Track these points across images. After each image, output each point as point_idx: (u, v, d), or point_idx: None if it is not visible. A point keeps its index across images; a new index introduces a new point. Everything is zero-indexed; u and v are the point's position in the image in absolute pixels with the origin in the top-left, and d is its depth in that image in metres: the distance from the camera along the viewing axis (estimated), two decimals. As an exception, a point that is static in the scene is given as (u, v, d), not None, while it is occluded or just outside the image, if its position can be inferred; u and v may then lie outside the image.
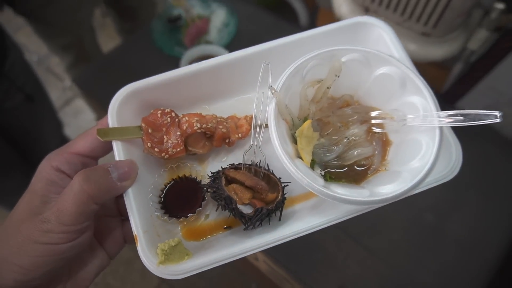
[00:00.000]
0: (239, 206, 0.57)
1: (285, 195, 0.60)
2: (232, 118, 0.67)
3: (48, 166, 0.59)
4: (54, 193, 0.56)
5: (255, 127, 0.62)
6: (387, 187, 0.57)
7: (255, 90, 0.70)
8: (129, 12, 1.78)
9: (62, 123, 1.44)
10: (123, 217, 0.67)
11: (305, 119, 0.65)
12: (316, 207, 0.62)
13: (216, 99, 0.71)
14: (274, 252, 1.14)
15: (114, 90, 0.63)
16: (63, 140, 1.53)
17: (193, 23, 1.47)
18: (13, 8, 1.25)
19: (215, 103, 0.71)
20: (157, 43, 1.44)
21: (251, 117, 0.67)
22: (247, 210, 0.59)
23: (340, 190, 0.56)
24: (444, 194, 1.24)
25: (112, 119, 0.62)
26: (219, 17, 1.53)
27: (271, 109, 0.59)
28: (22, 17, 1.36)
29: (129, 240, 0.65)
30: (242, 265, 1.75)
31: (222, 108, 0.70)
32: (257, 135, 0.62)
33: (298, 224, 0.58)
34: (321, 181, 0.57)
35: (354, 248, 1.17)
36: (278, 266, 1.15)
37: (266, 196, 0.60)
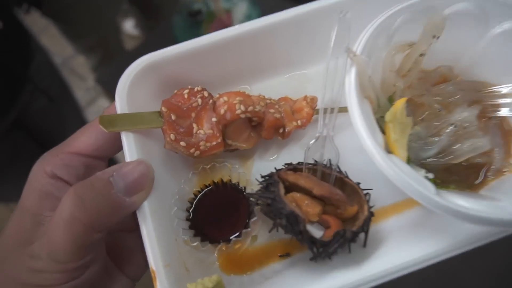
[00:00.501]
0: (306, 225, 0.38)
1: (371, 209, 0.41)
2: (286, 100, 0.48)
3: (41, 173, 0.44)
4: (50, 209, 0.41)
5: (324, 110, 0.43)
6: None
7: (313, 63, 0.52)
8: (152, 9, 1.75)
9: (87, 123, 1.38)
10: None
11: (389, 100, 0.46)
12: (418, 225, 0.42)
13: (260, 76, 0.52)
14: None
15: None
16: None
17: (216, 17, 1.40)
18: (40, 10, 1.23)
19: (259, 81, 0.52)
20: (179, 39, 1.37)
21: (313, 99, 0.48)
22: (315, 231, 0.40)
23: (465, 203, 0.36)
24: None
25: (121, 102, 0.44)
26: (241, 9, 1.45)
27: (350, 81, 0.39)
28: (49, 18, 1.34)
29: None
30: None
31: (268, 89, 0.52)
32: (327, 122, 0.43)
33: (396, 253, 0.38)
34: (431, 187, 0.37)
35: None
36: None
37: (344, 211, 0.40)
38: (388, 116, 0.41)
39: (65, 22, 1.39)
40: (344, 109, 0.42)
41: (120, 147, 0.47)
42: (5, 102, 0.86)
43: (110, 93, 1.45)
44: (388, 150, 0.41)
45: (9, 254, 0.38)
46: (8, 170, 0.98)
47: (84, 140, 0.46)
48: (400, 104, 0.41)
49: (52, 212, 0.41)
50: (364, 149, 0.38)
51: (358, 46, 0.41)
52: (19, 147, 0.96)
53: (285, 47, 0.50)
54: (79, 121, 1.23)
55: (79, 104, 1.25)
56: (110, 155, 0.49)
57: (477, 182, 0.44)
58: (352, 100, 0.39)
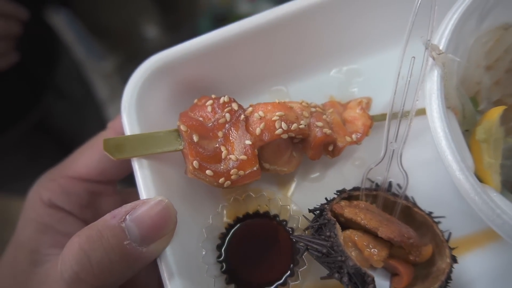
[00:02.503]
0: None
1: (453, 253, 0.32)
2: (334, 105, 0.38)
3: (37, 202, 0.38)
4: (49, 245, 0.36)
5: (391, 119, 0.33)
6: None
7: (365, 55, 0.41)
8: (175, 11, 1.71)
9: (107, 124, 1.40)
10: None
11: (473, 101, 0.35)
12: (508, 262, 0.33)
13: (298, 73, 0.42)
14: None
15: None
16: None
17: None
18: (68, 8, 1.25)
19: (298, 80, 0.42)
20: None
21: (368, 102, 0.38)
22: (379, 281, 0.31)
23: None
24: None
25: (129, 119, 0.36)
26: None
27: (432, 88, 0.29)
28: (76, 17, 1.36)
29: None
30: None
31: (309, 89, 0.41)
32: (393, 139, 0.33)
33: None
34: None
35: None
36: None
37: (418, 256, 0.32)
38: (480, 133, 0.31)
39: (91, 20, 1.41)
40: (417, 114, 0.32)
41: (127, 169, 0.40)
42: (28, 104, 0.84)
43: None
44: (477, 176, 0.31)
45: None
46: (27, 169, 0.98)
47: (85, 162, 0.39)
48: (495, 115, 0.31)
49: (52, 249, 0.36)
50: (440, 165, 0.29)
51: (441, 39, 0.30)
52: (39, 147, 0.95)
53: (330, 36, 0.39)
54: (100, 123, 1.23)
55: (100, 105, 1.25)
56: (117, 178, 0.42)
57: None
58: (434, 114, 0.29)
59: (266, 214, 0.37)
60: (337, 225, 0.31)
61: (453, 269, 0.31)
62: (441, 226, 0.34)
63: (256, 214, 0.37)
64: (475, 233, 0.36)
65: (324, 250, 0.30)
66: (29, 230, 0.37)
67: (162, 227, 0.31)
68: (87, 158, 0.39)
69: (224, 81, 0.40)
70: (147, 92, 0.37)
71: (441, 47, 0.29)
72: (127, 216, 0.30)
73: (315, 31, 0.38)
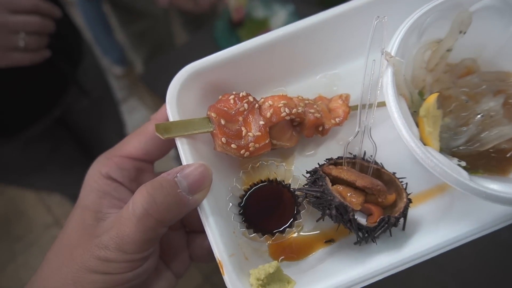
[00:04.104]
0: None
1: (409, 196, 0.45)
2: (322, 99, 0.52)
3: (97, 174, 0.48)
4: (108, 206, 0.46)
5: (362, 106, 0.46)
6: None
7: (345, 62, 0.55)
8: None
9: (124, 123, 1.49)
10: (187, 229, 0.55)
11: (420, 93, 0.50)
12: (451, 209, 0.46)
13: (295, 78, 0.55)
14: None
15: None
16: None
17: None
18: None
19: (294, 83, 0.56)
20: (219, 42, 1.45)
21: (347, 96, 0.52)
22: (359, 218, 0.44)
23: (497, 187, 0.40)
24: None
25: (172, 110, 0.48)
26: (280, 18, 1.47)
27: (387, 81, 0.43)
28: (106, 3, 1.44)
29: (196, 257, 0.53)
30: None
31: (303, 89, 0.55)
32: (364, 119, 0.46)
33: (433, 235, 0.42)
34: (465, 174, 0.41)
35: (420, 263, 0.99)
36: None
37: (384, 199, 0.45)
38: (422, 111, 0.44)
39: (118, 6, 1.47)
40: (380, 105, 0.46)
41: (165, 151, 0.52)
42: (51, 100, 0.89)
43: (152, 92, 1.49)
44: (423, 142, 0.45)
45: (76, 244, 0.42)
46: (47, 165, 1.02)
47: (135, 145, 0.50)
48: (432, 99, 0.45)
49: (112, 209, 0.45)
50: (401, 141, 0.42)
51: (392, 47, 0.44)
52: (59, 143, 0.99)
53: (319, 49, 0.53)
54: (117, 121, 1.28)
55: (117, 104, 1.30)
56: (157, 158, 0.53)
57: (503, 167, 0.48)
58: (390, 98, 0.43)
59: (275, 181, 0.50)
60: (327, 178, 0.44)
61: (408, 207, 0.44)
62: (404, 186, 0.47)
63: (268, 181, 0.50)
64: (428, 189, 0.49)
65: (318, 195, 0.43)
66: (92, 197, 0.46)
67: (202, 182, 0.43)
68: (136, 141, 0.50)
69: (240, 83, 0.53)
70: (184, 91, 0.49)
71: (392, 53, 0.43)
72: (178, 174, 0.43)
73: (307, 45, 0.52)
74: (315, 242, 0.48)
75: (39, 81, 0.85)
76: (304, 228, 0.49)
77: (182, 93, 0.49)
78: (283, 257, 0.47)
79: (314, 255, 0.47)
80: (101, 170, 0.48)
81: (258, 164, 0.49)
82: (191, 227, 0.55)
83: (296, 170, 0.51)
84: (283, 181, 0.49)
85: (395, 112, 0.42)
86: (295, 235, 0.48)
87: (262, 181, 0.50)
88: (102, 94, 1.14)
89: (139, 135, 0.50)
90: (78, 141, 1.03)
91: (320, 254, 0.47)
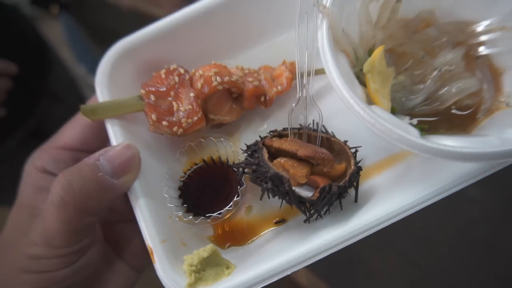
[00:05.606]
0: (294, 187, 0.37)
1: (359, 164, 0.40)
2: (266, 68, 0.48)
3: (32, 169, 0.46)
4: (43, 202, 0.42)
5: (301, 73, 0.42)
6: (523, 129, 0.36)
7: (290, 29, 0.50)
8: None
9: None
10: None
11: (370, 52, 0.45)
12: (406, 176, 0.41)
13: (239, 49, 0.51)
14: (315, 265, 0.95)
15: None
16: None
17: None
18: (69, 12, 1.31)
19: (239, 54, 0.52)
20: None
21: (292, 63, 0.47)
22: (306, 193, 0.39)
23: (450, 142, 0.35)
24: (496, 205, 1.03)
25: (101, 91, 0.45)
26: None
27: (322, 35, 0.39)
28: (77, 21, 1.40)
29: None
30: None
31: (249, 60, 0.51)
32: (305, 83, 0.42)
33: (386, 204, 0.37)
34: (415, 132, 0.36)
35: (399, 263, 1.01)
36: (320, 280, 0.98)
37: (331, 169, 0.40)
38: (365, 66, 0.40)
39: (91, 25, 1.45)
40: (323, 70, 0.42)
41: (106, 139, 0.48)
42: (24, 111, 0.89)
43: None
44: (371, 102, 0.40)
45: (10, 245, 0.40)
46: None
47: (70, 134, 0.47)
48: (377, 53, 0.40)
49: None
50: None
51: None
52: None
53: (258, 16, 0.49)
54: None
55: None
56: (97, 147, 0.49)
57: (467, 124, 0.43)
58: (326, 54, 0.38)
59: (217, 159, 0.45)
60: (264, 149, 0.40)
61: (358, 176, 0.39)
62: (354, 154, 0.42)
63: (211, 161, 0.46)
64: (384, 158, 0.44)
65: (254, 167, 0.39)
66: (27, 193, 0.44)
67: (128, 164, 0.39)
68: (71, 131, 0.47)
69: (179, 59, 0.49)
70: (115, 70, 0.46)
71: (327, 5, 0.39)
72: (101, 157, 0.39)
73: (245, 13, 0.48)
74: (265, 224, 0.44)
75: (9, 95, 0.84)
76: (254, 209, 0.45)
77: (114, 72, 0.46)
78: (229, 244, 0.43)
79: (263, 237, 0.43)
80: (35, 164, 0.46)
81: (195, 142, 0.45)
82: None
83: (242, 145, 0.46)
84: (227, 159, 0.45)
85: (332, 68, 0.37)
86: (241, 216, 0.43)
87: (204, 161, 0.46)
88: (77, 102, 1.14)
89: (73, 124, 0.48)
90: None
91: (269, 235, 0.43)
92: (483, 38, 0.43)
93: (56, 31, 1.45)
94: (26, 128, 0.91)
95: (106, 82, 0.45)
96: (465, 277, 0.98)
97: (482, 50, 0.43)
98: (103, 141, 0.49)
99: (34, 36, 0.97)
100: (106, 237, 0.45)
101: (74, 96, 1.14)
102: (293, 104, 0.43)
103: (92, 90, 0.46)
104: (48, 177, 0.45)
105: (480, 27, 0.43)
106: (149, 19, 0.48)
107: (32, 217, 0.41)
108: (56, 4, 1.13)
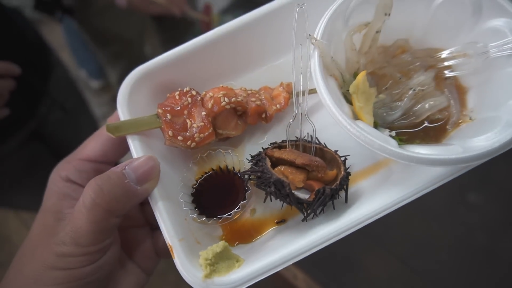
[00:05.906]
0: (293, 191, 0.44)
1: (348, 170, 0.47)
2: (265, 89, 0.55)
3: (57, 178, 0.50)
4: (68, 207, 0.48)
5: (297, 93, 0.49)
6: (482, 138, 0.43)
7: (286, 54, 0.58)
8: (170, 24, 1.76)
9: None
10: (152, 226, 0.57)
11: (355, 75, 0.52)
12: (388, 180, 0.48)
13: (241, 71, 0.59)
14: (314, 271, 0.99)
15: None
16: None
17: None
18: (73, 18, 1.30)
19: (241, 76, 0.59)
20: None
21: (289, 84, 0.55)
22: (303, 195, 0.46)
23: (422, 150, 0.42)
24: (495, 212, 1.06)
25: (122, 110, 0.51)
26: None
27: (314, 63, 0.46)
28: (81, 26, 1.42)
29: (162, 253, 0.54)
30: (280, 284, 1.63)
31: (250, 82, 0.58)
32: (300, 102, 0.49)
33: (371, 203, 0.44)
34: (393, 142, 0.44)
35: (398, 269, 1.02)
36: (318, 285, 1.01)
37: (324, 174, 0.47)
38: (351, 87, 0.47)
39: (94, 30, 1.47)
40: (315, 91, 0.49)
41: (124, 152, 0.54)
42: (24, 113, 0.90)
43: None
44: (356, 117, 0.47)
45: (38, 244, 0.44)
46: (24, 180, 1.02)
47: (92, 147, 0.52)
48: (361, 76, 0.48)
49: (71, 210, 0.47)
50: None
51: (318, 32, 0.47)
52: (35, 157, 1.00)
53: (258, 43, 0.56)
54: (94, 131, 1.27)
55: (94, 115, 1.30)
56: (116, 159, 0.55)
57: (438, 135, 0.50)
58: (317, 78, 0.45)
59: (225, 168, 0.52)
60: (267, 159, 0.47)
61: (348, 179, 0.46)
62: (344, 161, 0.49)
63: (219, 169, 0.53)
64: (369, 165, 0.51)
65: (258, 174, 0.45)
66: (53, 199, 0.49)
67: (150, 173, 0.46)
68: (93, 144, 0.53)
69: (189, 82, 0.56)
70: (135, 92, 0.53)
71: (318, 37, 0.47)
72: (126, 167, 0.45)
73: (247, 40, 0.56)
74: (268, 224, 0.50)
75: (11, 97, 0.84)
76: (258, 211, 0.51)
77: (133, 94, 0.53)
78: (237, 242, 0.49)
79: (266, 235, 0.49)
80: (60, 174, 0.51)
81: (206, 153, 0.52)
82: (156, 225, 0.57)
83: (246, 156, 0.53)
84: (234, 168, 0.52)
85: (323, 90, 0.44)
86: (246, 217, 0.50)
87: (213, 170, 0.52)
88: (77, 105, 1.15)
89: (95, 138, 0.53)
90: (55, 154, 1.03)
91: (272, 233, 0.49)
92: (449, 62, 0.51)
93: (57, 34, 1.45)
94: (26, 130, 0.93)
95: (126, 103, 0.52)
96: (464, 284, 1.00)
97: (449, 72, 0.51)
98: (121, 154, 0.55)
99: (36, 39, 1.00)
100: (120, 241, 0.50)
101: (74, 99, 1.16)
102: (290, 120, 0.50)
103: (92, 93, 0.52)
104: (71, 186, 0.51)
105: (446, 54, 0.51)
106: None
107: (58, 221, 0.46)
108: (59, 9, 1.15)
